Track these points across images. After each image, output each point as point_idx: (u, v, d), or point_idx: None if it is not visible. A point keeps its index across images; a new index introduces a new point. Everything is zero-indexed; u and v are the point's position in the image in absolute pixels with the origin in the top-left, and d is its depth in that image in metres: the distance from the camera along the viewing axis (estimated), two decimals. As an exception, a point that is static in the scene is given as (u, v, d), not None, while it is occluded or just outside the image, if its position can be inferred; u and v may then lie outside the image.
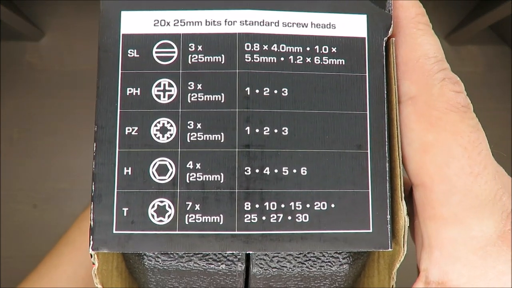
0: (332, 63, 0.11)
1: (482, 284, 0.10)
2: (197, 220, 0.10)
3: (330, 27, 0.11)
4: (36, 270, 0.29)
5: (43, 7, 0.74)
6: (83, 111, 0.70)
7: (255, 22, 0.11)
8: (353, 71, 0.11)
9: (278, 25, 0.11)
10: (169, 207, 0.10)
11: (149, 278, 0.12)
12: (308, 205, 0.10)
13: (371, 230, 0.10)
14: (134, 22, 0.11)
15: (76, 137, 0.71)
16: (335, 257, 0.11)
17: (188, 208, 0.10)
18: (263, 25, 0.11)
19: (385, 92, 0.11)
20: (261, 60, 0.11)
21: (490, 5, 0.65)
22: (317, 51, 0.11)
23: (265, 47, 0.11)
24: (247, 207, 0.10)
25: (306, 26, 0.11)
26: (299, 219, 0.10)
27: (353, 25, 0.11)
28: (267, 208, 0.10)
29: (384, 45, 0.11)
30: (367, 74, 0.11)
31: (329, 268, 0.11)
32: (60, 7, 0.74)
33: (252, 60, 0.11)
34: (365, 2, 0.11)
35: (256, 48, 0.11)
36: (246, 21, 0.11)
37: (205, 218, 0.10)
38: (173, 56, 0.11)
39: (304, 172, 0.11)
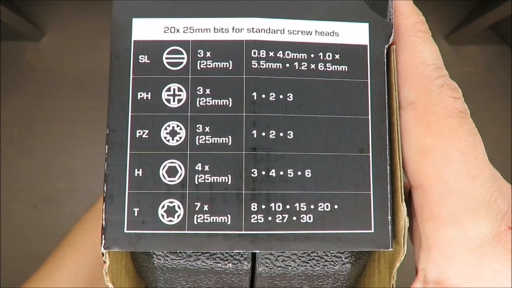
0: (336, 69, 0.11)
1: (478, 282, 0.10)
2: (205, 220, 0.11)
3: (333, 35, 0.11)
4: (38, 271, 0.29)
5: (43, 7, 0.74)
6: (83, 111, 0.71)
7: (261, 29, 0.11)
8: (356, 77, 0.11)
9: (283, 33, 0.11)
10: (179, 207, 0.11)
11: (157, 276, 0.12)
12: (312, 206, 0.11)
13: (372, 231, 0.11)
14: (145, 28, 0.11)
15: (76, 137, 0.71)
16: (338, 257, 0.12)
17: (196, 209, 0.11)
18: (269, 32, 0.11)
19: (386, 97, 0.11)
20: (267, 66, 0.11)
21: (490, 5, 0.65)
22: (321, 58, 0.11)
23: (271, 53, 0.11)
24: (254, 208, 0.11)
25: (311, 34, 0.11)
26: (303, 219, 0.11)
27: (355, 33, 0.11)
28: (273, 209, 0.11)
29: (385, 52, 0.11)
30: (369, 80, 0.11)
31: (332, 267, 0.11)
32: (60, 7, 0.74)
33: (258, 66, 0.11)
34: (367, 11, 0.11)
35: (263, 55, 0.11)
36: (253, 28, 0.11)
37: (213, 218, 0.11)
38: (182, 62, 0.11)
39: (308, 174, 0.11)
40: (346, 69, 0.11)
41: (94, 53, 0.69)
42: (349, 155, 0.11)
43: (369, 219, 0.11)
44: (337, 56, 0.11)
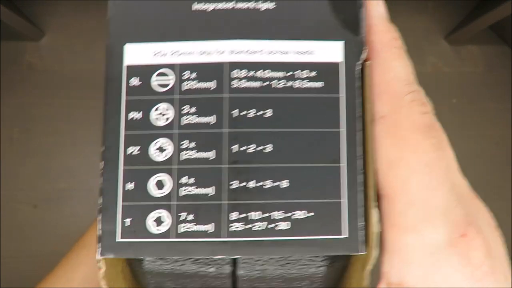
0: (312, 86, 0.12)
1: (433, 284, 0.11)
2: (190, 229, 0.12)
3: (309, 53, 0.12)
4: (53, 272, 0.30)
5: (43, 7, 0.74)
6: (83, 111, 0.71)
7: (242, 51, 0.12)
8: (331, 92, 0.12)
9: (262, 53, 0.12)
10: (166, 217, 0.12)
11: (149, 279, 0.13)
12: (289, 214, 0.12)
13: (345, 236, 0.12)
14: (136, 53, 0.12)
15: (76, 137, 0.71)
16: (313, 260, 0.12)
17: (182, 218, 0.12)
18: (250, 53, 0.12)
19: (360, 111, 0.12)
20: (247, 85, 0.12)
21: (490, 5, 0.65)
22: (298, 76, 0.12)
23: (251, 73, 0.12)
24: (234, 217, 0.12)
25: (288, 53, 0.12)
26: (280, 226, 0.12)
27: (331, 51, 0.12)
28: (252, 218, 0.12)
29: (359, 68, 0.12)
30: (343, 95, 0.12)
31: (308, 270, 0.12)
32: (60, 7, 0.74)
33: (239, 86, 0.12)
34: (341, 30, 0.12)
35: (243, 75, 0.12)
36: (234, 50, 0.12)
37: (197, 227, 0.12)
38: (170, 83, 0.12)
39: (286, 185, 0.12)
40: (322, 85, 0.12)
41: (94, 53, 0.69)
42: (324, 166, 0.12)
43: (342, 225, 0.12)
44: (313, 73, 0.12)
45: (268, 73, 0.12)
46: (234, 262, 0.13)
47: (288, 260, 0.12)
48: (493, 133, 0.76)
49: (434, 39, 0.79)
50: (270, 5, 0.12)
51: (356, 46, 0.12)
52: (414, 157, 0.11)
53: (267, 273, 0.12)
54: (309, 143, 0.12)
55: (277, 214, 0.12)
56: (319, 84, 0.12)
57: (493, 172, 0.74)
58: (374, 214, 0.12)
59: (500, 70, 0.77)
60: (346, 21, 0.12)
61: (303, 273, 0.12)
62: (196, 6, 0.12)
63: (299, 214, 0.12)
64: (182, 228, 0.12)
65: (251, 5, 0.12)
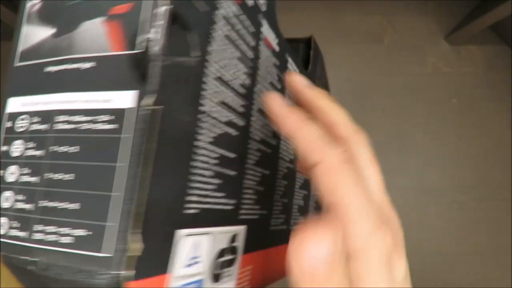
0: (106, 128, 0.15)
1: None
2: (15, 234, 0.16)
3: (109, 101, 0.16)
4: None
5: (43, 7, 0.74)
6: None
7: (65, 101, 0.16)
8: (117, 133, 0.15)
9: (79, 102, 0.16)
10: (5, 223, 0.17)
11: (9, 268, 0.17)
12: (74, 231, 0.15)
13: (106, 255, 0.14)
14: (13, 104, 0.18)
15: (76, 137, 0.71)
16: (97, 273, 0.15)
17: (12, 225, 0.16)
18: (70, 102, 0.16)
19: (139, 149, 0.15)
20: (65, 127, 0.16)
21: (490, 5, 0.66)
22: (99, 119, 0.16)
23: (68, 118, 0.16)
24: (38, 228, 0.16)
25: (95, 102, 0.16)
26: (66, 240, 0.15)
27: (123, 99, 0.15)
28: (49, 231, 0.15)
29: (140, 113, 0.15)
30: (128, 136, 0.15)
31: (90, 280, 0.15)
32: (60, 7, 0.74)
33: (61, 127, 0.16)
34: (135, 82, 0.15)
35: (64, 119, 0.16)
36: (60, 101, 0.17)
37: (19, 233, 0.16)
38: (25, 125, 0.17)
39: (77, 207, 0.15)
40: (113, 127, 0.15)
41: (94, 53, 0.69)
42: (101, 194, 0.15)
43: (103, 245, 0.14)
44: (111, 118, 0.15)
45: (79, 118, 0.16)
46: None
47: (78, 269, 0.15)
48: (493, 133, 0.76)
49: (434, 39, 0.79)
50: (90, 65, 0.16)
51: (145, 95, 0.15)
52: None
53: (64, 277, 0.16)
54: (97, 174, 0.15)
55: (66, 230, 0.15)
56: (112, 126, 0.15)
57: (493, 172, 0.74)
58: (132, 239, 0.14)
59: (500, 70, 0.77)
60: (141, 75, 0.15)
61: (87, 282, 0.15)
62: (46, 69, 0.17)
63: (81, 232, 0.15)
64: (11, 232, 0.16)
65: (76, 65, 0.17)
